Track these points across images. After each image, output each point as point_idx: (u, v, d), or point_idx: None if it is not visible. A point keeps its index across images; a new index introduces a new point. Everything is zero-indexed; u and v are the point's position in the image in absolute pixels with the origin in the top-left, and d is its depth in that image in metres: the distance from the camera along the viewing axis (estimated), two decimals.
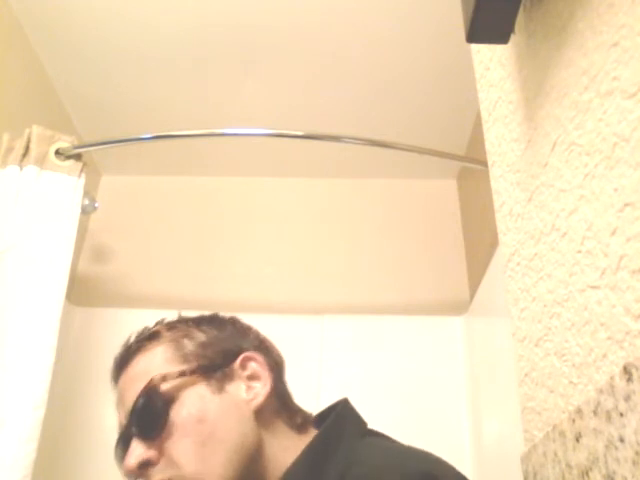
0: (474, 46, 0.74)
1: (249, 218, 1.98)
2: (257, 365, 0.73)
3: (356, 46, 1.61)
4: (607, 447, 0.38)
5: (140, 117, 1.84)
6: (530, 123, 0.54)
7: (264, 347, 0.78)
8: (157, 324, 0.77)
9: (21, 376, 1.13)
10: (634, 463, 0.35)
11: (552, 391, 0.49)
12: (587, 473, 0.41)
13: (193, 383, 0.69)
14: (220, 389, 0.69)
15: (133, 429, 0.67)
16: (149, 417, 0.66)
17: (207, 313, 0.79)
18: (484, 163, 0.77)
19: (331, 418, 0.70)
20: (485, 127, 0.70)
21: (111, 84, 1.75)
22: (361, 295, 1.84)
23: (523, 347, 0.57)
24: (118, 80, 1.74)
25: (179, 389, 0.68)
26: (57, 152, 1.36)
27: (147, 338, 0.74)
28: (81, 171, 1.38)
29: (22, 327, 1.17)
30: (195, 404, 0.67)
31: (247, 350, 0.74)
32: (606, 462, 0.38)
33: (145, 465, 0.65)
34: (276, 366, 0.76)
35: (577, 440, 0.42)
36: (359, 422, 0.71)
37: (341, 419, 0.70)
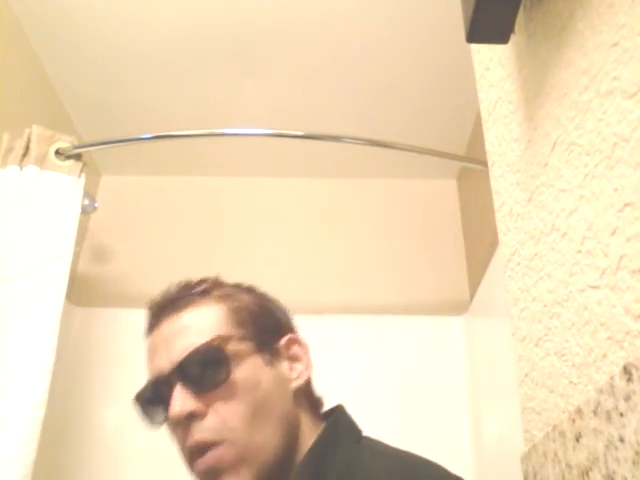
0: (474, 46, 0.74)
1: (249, 218, 1.98)
2: (300, 348, 0.74)
3: (356, 46, 1.61)
4: (607, 447, 0.38)
5: (140, 117, 1.84)
6: (530, 123, 0.54)
7: (295, 328, 0.78)
8: (203, 281, 0.76)
9: (21, 376, 1.13)
10: (634, 463, 0.35)
11: (552, 391, 0.49)
12: (587, 473, 0.41)
13: (250, 350, 0.69)
14: (270, 362, 0.70)
15: (182, 376, 0.66)
16: (208, 371, 0.66)
17: (243, 283, 0.79)
18: (484, 163, 0.77)
19: (325, 427, 0.70)
20: (485, 127, 0.70)
21: (111, 84, 1.75)
22: (361, 295, 1.84)
23: (523, 347, 0.57)
24: (118, 80, 1.74)
25: (239, 353, 0.68)
26: (57, 152, 1.36)
27: (197, 293, 0.73)
28: (81, 171, 1.38)
29: (22, 327, 1.17)
30: (252, 371, 0.67)
31: (288, 330, 0.75)
32: (606, 462, 0.38)
33: (191, 416, 0.64)
34: None
35: (577, 440, 0.42)
36: (354, 429, 0.72)
37: (335, 427, 0.70)
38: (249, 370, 0.67)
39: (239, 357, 0.68)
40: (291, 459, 0.67)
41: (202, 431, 0.64)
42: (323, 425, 0.71)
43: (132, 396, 0.71)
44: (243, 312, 0.72)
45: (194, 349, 0.66)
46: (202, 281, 0.76)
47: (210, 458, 0.63)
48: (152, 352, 0.71)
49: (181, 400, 0.64)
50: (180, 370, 0.66)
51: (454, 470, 0.63)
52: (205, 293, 0.73)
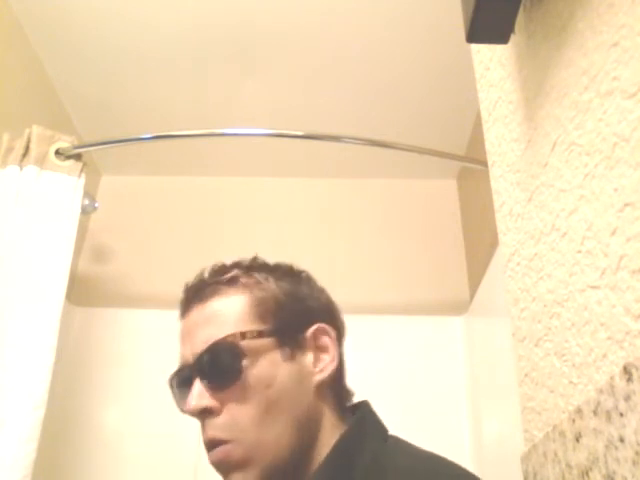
0: (474, 46, 0.74)
1: (249, 218, 1.98)
2: (328, 339, 0.71)
3: (356, 46, 1.61)
4: (607, 447, 0.38)
5: (140, 117, 1.84)
6: (530, 123, 0.54)
7: (333, 312, 0.76)
8: (235, 266, 0.74)
9: (21, 376, 1.13)
10: (634, 463, 0.35)
11: (552, 391, 0.49)
12: (587, 473, 0.41)
13: (268, 346, 0.68)
14: (291, 357, 0.68)
15: (199, 371, 0.67)
16: (221, 368, 0.66)
17: (283, 264, 0.77)
18: (484, 163, 0.77)
19: (352, 423, 0.69)
20: (485, 127, 0.70)
21: (111, 84, 1.75)
22: (361, 295, 1.84)
23: (523, 347, 0.57)
24: (118, 80, 1.74)
25: (254, 350, 0.67)
26: (57, 152, 1.36)
27: (224, 281, 0.72)
28: (81, 171, 1.38)
29: (22, 327, 1.17)
30: (267, 368, 0.66)
31: (319, 318, 0.72)
32: (606, 462, 0.38)
33: (205, 411, 0.65)
34: (341, 336, 0.75)
35: (577, 440, 0.42)
36: (380, 426, 0.71)
37: (361, 424, 0.69)
38: (264, 368, 0.66)
39: (255, 354, 0.67)
40: (309, 455, 0.66)
41: (214, 428, 0.65)
42: (348, 420, 0.70)
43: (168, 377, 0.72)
44: (268, 303, 0.70)
45: (210, 345, 0.67)
46: (234, 265, 0.74)
47: (218, 454, 0.65)
48: (181, 339, 0.72)
49: (198, 395, 0.65)
50: (198, 364, 0.67)
51: None
52: (232, 281, 0.72)
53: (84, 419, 1.65)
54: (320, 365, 0.70)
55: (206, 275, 0.74)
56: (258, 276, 0.73)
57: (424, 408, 1.63)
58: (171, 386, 0.71)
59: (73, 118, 1.85)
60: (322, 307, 0.75)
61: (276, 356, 0.68)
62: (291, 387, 0.67)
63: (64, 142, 1.38)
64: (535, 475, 0.51)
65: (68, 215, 1.31)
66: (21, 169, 1.31)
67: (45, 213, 1.28)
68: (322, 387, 0.69)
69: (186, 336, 0.70)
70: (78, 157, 1.39)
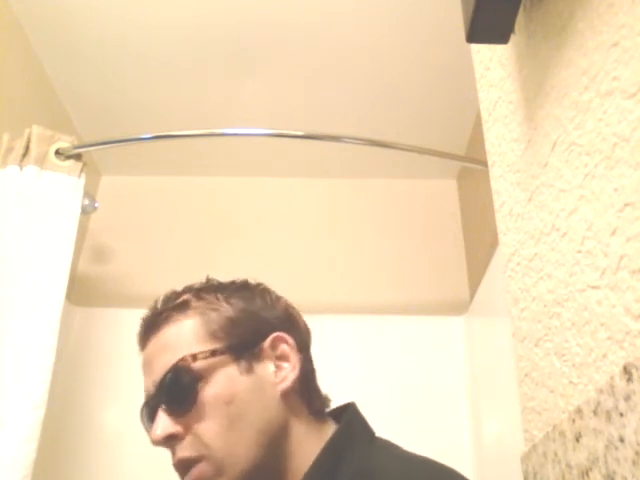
0: (474, 46, 0.74)
1: (249, 218, 1.98)
2: (287, 347, 0.71)
3: (356, 46, 1.61)
4: (607, 447, 0.38)
5: (140, 117, 1.84)
6: (530, 123, 0.54)
7: (292, 321, 0.76)
8: (185, 291, 0.75)
9: (21, 376, 1.13)
10: (634, 463, 0.35)
11: (552, 391, 0.49)
12: (587, 473, 0.41)
13: (223, 363, 0.68)
14: (249, 370, 0.68)
15: (160, 399, 0.67)
16: (178, 394, 0.67)
17: (237, 280, 0.78)
18: (484, 163, 0.77)
19: (340, 425, 0.69)
20: (485, 127, 0.70)
21: (111, 84, 1.75)
22: (361, 295, 1.84)
23: (523, 347, 0.57)
24: (118, 80, 1.74)
25: (209, 369, 0.67)
26: (57, 152, 1.36)
27: (175, 308, 0.72)
28: (81, 171, 1.38)
29: (22, 327, 1.17)
30: (224, 385, 0.67)
31: (277, 328, 0.72)
32: (606, 462, 0.38)
33: (171, 438, 0.66)
34: (304, 342, 0.76)
35: (577, 440, 0.43)
36: (367, 429, 0.71)
37: (350, 426, 0.70)
38: (220, 385, 0.67)
39: (210, 373, 0.67)
40: (283, 463, 0.66)
41: (183, 450, 0.66)
42: (328, 425, 0.70)
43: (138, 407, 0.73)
44: (220, 321, 0.71)
45: (165, 372, 0.67)
46: (185, 290, 0.75)
47: (192, 475, 0.66)
48: (142, 371, 0.73)
49: (162, 424, 0.66)
50: (159, 392, 0.68)
51: None
52: (183, 306, 0.72)
53: (84, 419, 1.65)
54: (281, 374, 0.70)
55: (158, 304, 0.75)
56: (208, 297, 0.73)
57: (424, 408, 1.63)
58: (142, 420, 0.72)
59: (73, 118, 1.85)
60: (278, 317, 0.75)
61: (232, 371, 0.68)
62: (252, 399, 0.67)
63: (64, 142, 1.38)
64: (535, 475, 0.51)
65: (68, 215, 1.31)
66: (21, 169, 1.31)
67: (45, 213, 1.28)
68: (288, 395, 0.69)
69: (147, 368, 0.71)
70: (78, 157, 1.39)
